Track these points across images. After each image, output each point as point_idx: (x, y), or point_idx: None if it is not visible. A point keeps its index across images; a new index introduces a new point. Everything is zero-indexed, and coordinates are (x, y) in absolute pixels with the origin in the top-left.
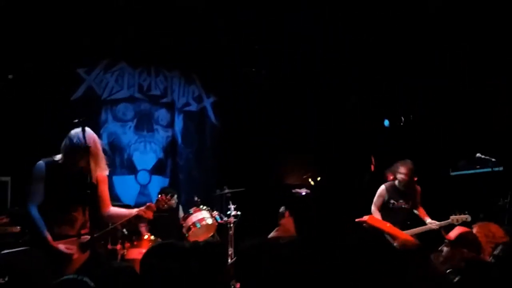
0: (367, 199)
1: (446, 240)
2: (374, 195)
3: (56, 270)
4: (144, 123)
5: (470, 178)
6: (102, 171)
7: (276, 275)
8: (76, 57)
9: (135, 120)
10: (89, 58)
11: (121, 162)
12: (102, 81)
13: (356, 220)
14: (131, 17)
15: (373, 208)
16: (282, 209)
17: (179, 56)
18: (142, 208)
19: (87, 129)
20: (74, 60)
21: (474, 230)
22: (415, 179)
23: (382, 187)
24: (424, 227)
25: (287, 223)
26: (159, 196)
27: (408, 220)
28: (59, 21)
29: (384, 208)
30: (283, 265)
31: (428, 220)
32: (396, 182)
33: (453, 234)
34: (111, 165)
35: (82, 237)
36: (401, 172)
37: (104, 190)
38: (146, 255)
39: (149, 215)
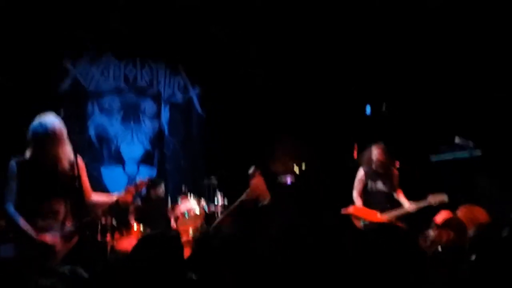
0: (351, 186)
1: (432, 225)
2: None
3: (41, 261)
4: (131, 115)
5: (450, 163)
6: (70, 157)
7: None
8: (61, 50)
9: (121, 112)
10: (74, 51)
11: (108, 153)
12: (88, 73)
13: (342, 212)
14: (115, 8)
15: (354, 194)
16: (251, 169)
17: (164, 47)
18: (121, 192)
19: (48, 116)
20: (59, 53)
21: (459, 214)
22: (397, 164)
23: (361, 172)
24: (403, 209)
25: (257, 182)
26: (138, 179)
27: (388, 203)
28: (43, 13)
29: (364, 193)
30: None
31: (406, 203)
32: (373, 165)
33: (439, 218)
34: (99, 157)
35: (66, 228)
36: (375, 153)
37: (85, 178)
38: (136, 246)
39: (129, 198)
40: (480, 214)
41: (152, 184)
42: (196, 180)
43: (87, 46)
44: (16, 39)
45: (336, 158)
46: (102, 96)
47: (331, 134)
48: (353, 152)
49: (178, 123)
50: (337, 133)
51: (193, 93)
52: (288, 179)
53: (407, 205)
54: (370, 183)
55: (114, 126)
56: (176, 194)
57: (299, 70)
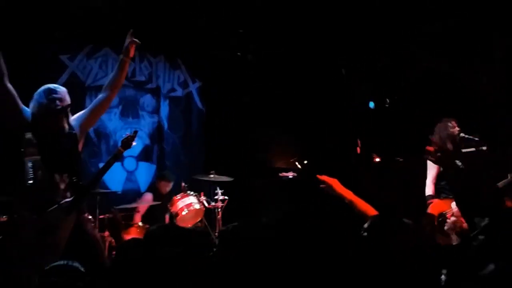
0: (354, 181)
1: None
2: (360, 178)
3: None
4: (130, 110)
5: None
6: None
7: (255, 257)
8: (58, 44)
9: (120, 107)
10: (72, 44)
11: (107, 149)
12: (85, 67)
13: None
14: (113, 1)
15: (428, 181)
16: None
17: (164, 41)
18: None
19: (55, 86)
20: (56, 47)
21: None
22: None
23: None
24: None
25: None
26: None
27: None
28: (41, 7)
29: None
30: (262, 247)
31: None
32: (452, 142)
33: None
34: (97, 152)
35: (63, 201)
36: (453, 127)
37: None
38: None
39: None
40: None
41: (162, 178)
42: (196, 176)
43: (85, 40)
44: (13, 34)
45: (339, 154)
46: (100, 91)
47: (335, 131)
48: (356, 148)
49: (177, 118)
50: (340, 129)
51: (193, 88)
52: (290, 175)
53: None
54: None
55: (112, 121)
56: (175, 190)
57: (303, 66)
